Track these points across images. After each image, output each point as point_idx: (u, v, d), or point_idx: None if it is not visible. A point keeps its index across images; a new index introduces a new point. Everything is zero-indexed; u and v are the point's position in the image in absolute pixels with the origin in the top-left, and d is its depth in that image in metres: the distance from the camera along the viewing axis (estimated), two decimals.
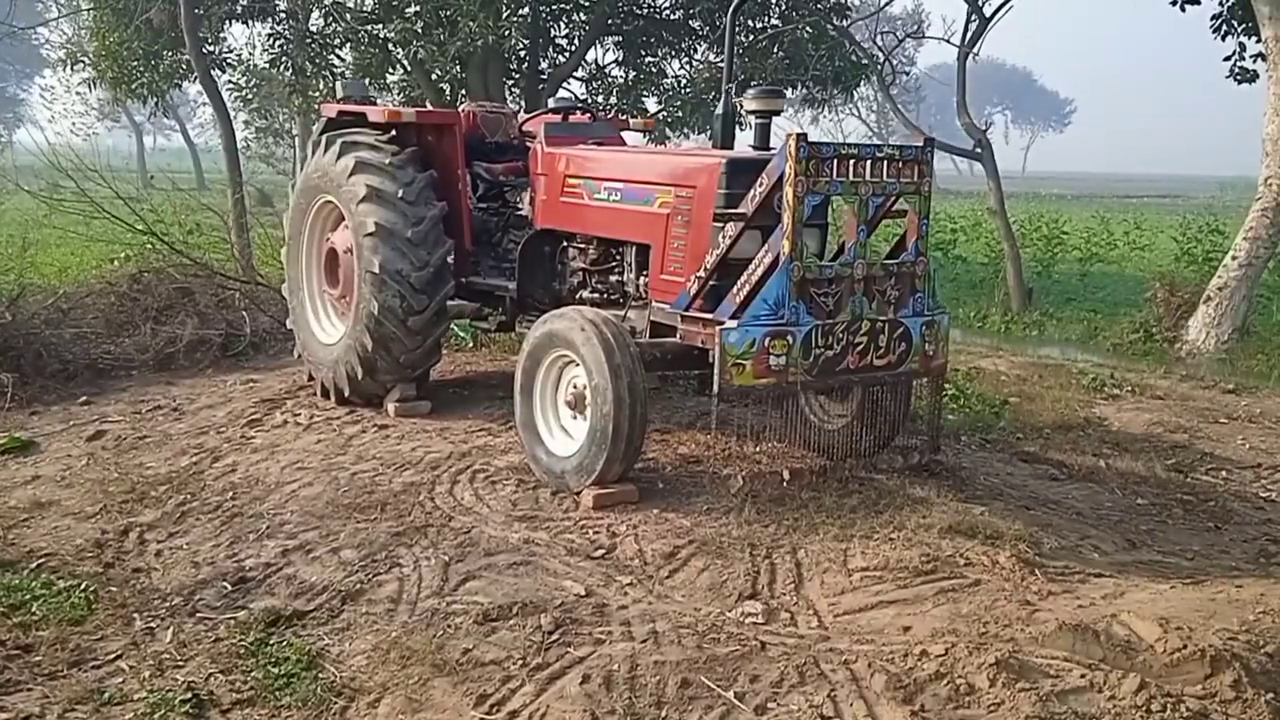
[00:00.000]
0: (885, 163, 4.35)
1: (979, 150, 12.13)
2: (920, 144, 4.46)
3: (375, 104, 6.45)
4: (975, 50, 12.22)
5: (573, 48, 14.49)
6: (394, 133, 5.87)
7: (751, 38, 13.06)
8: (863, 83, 14.73)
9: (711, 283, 4.47)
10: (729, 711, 3.08)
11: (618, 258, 5.29)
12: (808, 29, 12.45)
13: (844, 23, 12.89)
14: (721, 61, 13.86)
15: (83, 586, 4.01)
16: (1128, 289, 14.69)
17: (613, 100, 15.04)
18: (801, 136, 4.11)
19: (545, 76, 14.25)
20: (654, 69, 14.59)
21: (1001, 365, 9.22)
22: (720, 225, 4.41)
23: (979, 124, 12.62)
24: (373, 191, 5.59)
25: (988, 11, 11.52)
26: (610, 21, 14.12)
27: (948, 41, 19.35)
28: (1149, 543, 4.66)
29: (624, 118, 7.49)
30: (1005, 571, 3.89)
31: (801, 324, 4.22)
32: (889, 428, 5.02)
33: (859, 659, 3.30)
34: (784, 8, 13.13)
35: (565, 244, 5.61)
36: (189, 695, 3.29)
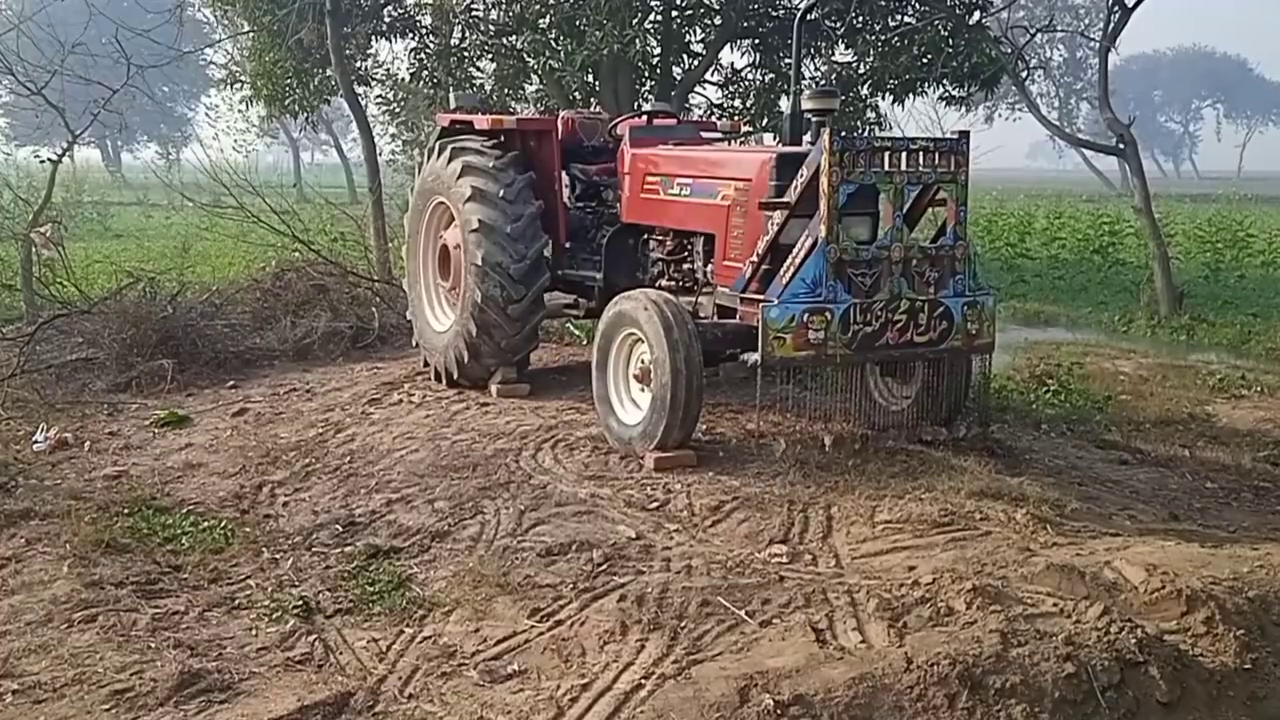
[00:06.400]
0: (920, 154, 5.02)
1: (1121, 146, 12.28)
2: (956, 136, 5.12)
3: (513, 114, 7.51)
4: (1114, 43, 12.38)
5: (704, 53, 15.33)
6: (500, 139, 6.90)
7: (885, 36, 13.58)
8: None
9: (764, 267, 5.22)
10: (736, 624, 3.83)
11: (689, 247, 6.12)
12: (944, 24, 12.88)
13: (984, 16, 13.23)
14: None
15: (223, 525, 5.15)
16: None
17: (749, 103, 15.79)
18: (835, 131, 4.85)
19: (678, 82, 15.14)
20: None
21: (1126, 366, 9.49)
22: (770, 214, 5.16)
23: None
24: (477, 191, 6.60)
25: (1129, 1, 11.70)
26: (744, 24, 14.89)
27: (1082, 35, 19.22)
28: (1195, 517, 5.10)
29: (710, 120, 8.31)
30: (1018, 526, 4.48)
31: (839, 301, 4.93)
32: (948, 406, 5.63)
33: (861, 589, 3.99)
34: (919, 3, 13.59)
35: (646, 236, 6.48)
36: (300, 603, 4.29)
